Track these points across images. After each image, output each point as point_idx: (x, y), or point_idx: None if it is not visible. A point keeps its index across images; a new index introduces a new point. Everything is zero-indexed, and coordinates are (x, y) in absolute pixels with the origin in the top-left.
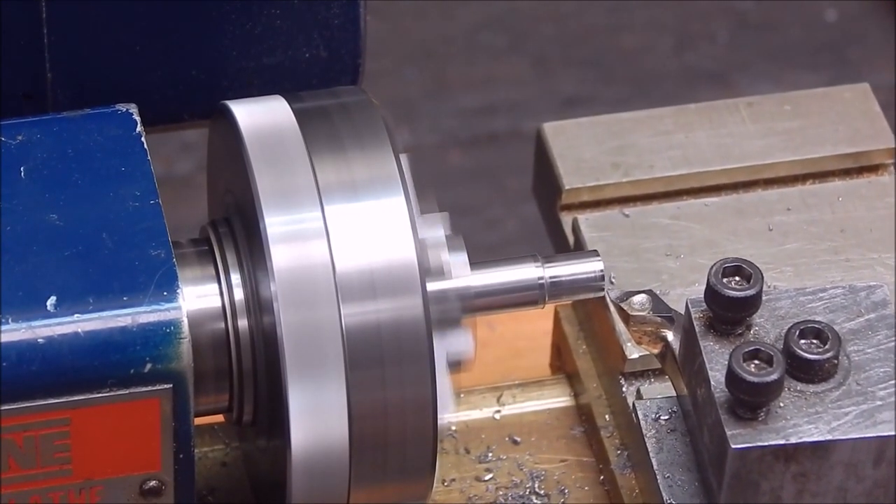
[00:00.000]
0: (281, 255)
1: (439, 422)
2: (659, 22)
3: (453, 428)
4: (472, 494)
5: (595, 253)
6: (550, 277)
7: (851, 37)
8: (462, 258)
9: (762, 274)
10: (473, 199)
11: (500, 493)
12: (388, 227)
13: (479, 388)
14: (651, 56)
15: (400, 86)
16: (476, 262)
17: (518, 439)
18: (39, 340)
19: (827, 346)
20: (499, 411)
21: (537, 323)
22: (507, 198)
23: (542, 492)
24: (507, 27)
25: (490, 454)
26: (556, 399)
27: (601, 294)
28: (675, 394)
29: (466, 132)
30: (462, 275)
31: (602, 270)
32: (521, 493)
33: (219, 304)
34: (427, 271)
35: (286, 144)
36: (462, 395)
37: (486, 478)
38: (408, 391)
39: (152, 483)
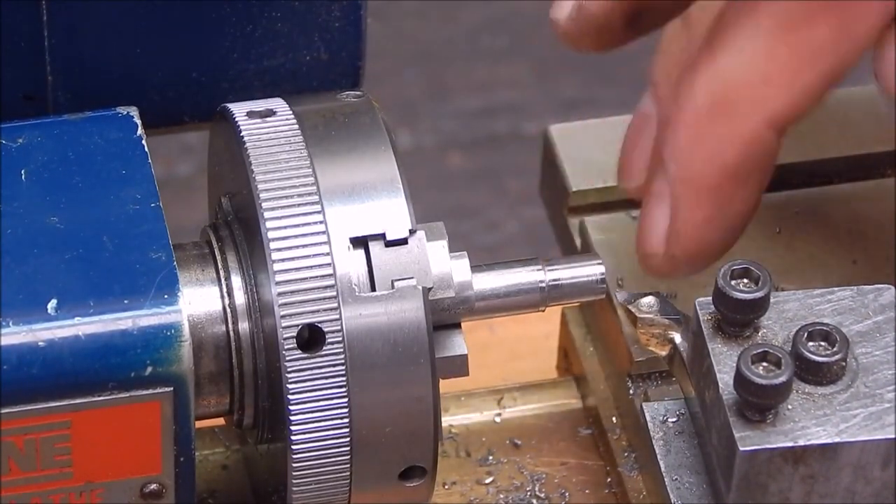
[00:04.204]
0: (282, 258)
1: (440, 423)
2: None
3: (454, 431)
4: (473, 497)
5: (595, 256)
6: (551, 281)
7: None
8: (463, 261)
9: (770, 276)
10: (474, 201)
11: (501, 495)
12: (389, 230)
13: (480, 390)
14: (651, 58)
15: (400, 88)
16: (477, 265)
17: (519, 442)
18: (40, 343)
19: (835, 349)
20: (499, 414)
21: (538, 326)
22: (507, 200)
23: (542, 494)
24: (507, 29)
25: (491, 457)
26: (557, 402)
27: (601, 297)
28: (682, 396)
29: (467, 134)
30: (463, 278)
31: (603, 273)
32: (521, 495)
33: (220, 306)
34: (427, 273)
35: (286, 147)
36: (463, 398)
37: (487, 481)
38: (408, 393)
39: (153, 486)
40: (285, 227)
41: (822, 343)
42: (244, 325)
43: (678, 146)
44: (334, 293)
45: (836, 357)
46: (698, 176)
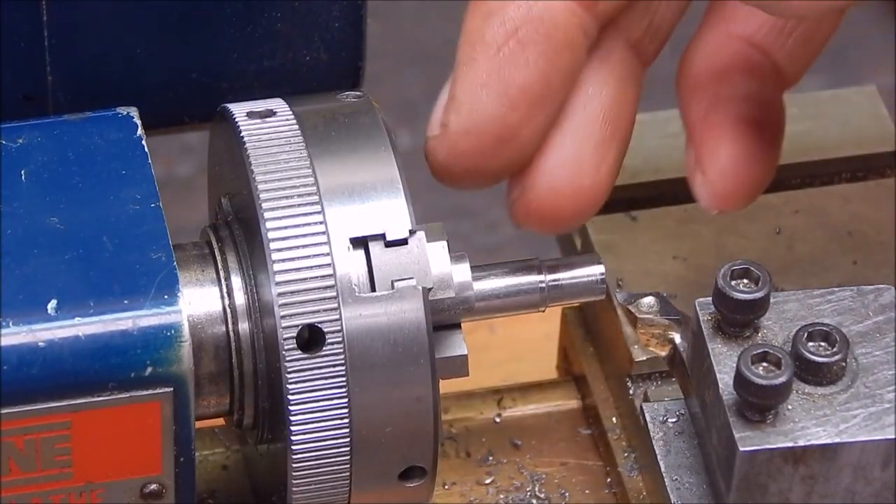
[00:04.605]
0: (282, 258)
1: (440, 424)
2: None
3: (454, 431)
4: (473, 498)
5: (595, 256)
6: (551, 281)
7: (852, 39)
8: (463, 261)
9: (770, 276)
10: (474, 201)
11: (501, 496)
12: (389, 230)
13: (480, 391)
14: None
15: (400, 88)
16: (477, 266)
17: (519, 442)
18: (40, 344)
19: (835, 349)
20: (499, 414)
21: (538, 326)
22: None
23: (542, 495)
24: None
25: (491, 457)
26: (557, 402)
27: (601, 297)
28: (682, 396)
29: None
30: (463, 278)
31: (603, 274)
32: (521, 496)
33: (220, 307)
34: (427, 274)
35: (286, 147)
36: (463, 399)
37: (487, 481)
38: (408, 393)
39: (153, 486)
40: (285, 228)
41: (822, 343)
42: (244, 326)
43: (468, 8)
44: (334, 293)
45: (836, 357)
46: (476, 31)
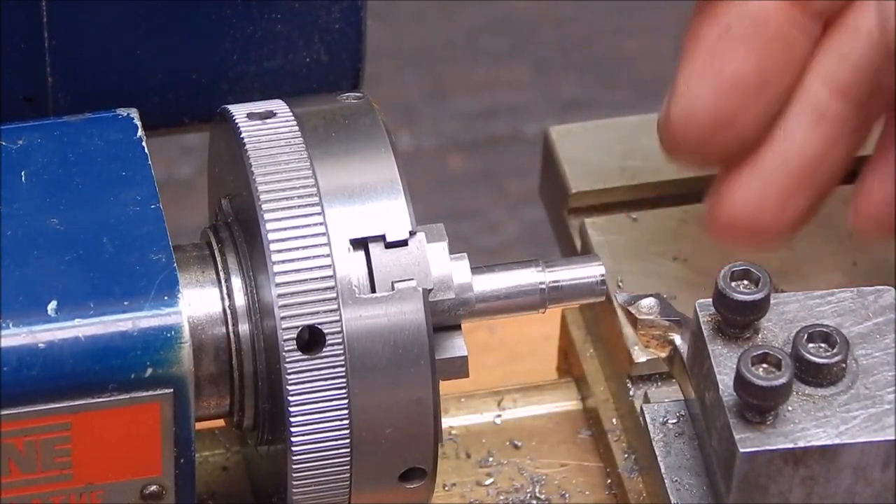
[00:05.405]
0: (282, 259)
1: (440, 425)
2: (660, 26)
3: (454, 432)
4: (473, 499)
5: (596, 257)
6: (551, 282)
7: None
8: (463, 262)
9: (770, 277)
10: (474, 202)
11: (501, 497)
12: (389, 231)
13: (480, 392)
14: (652, 60)
15: (400, 89)
16: (477, 267)
17: (519, 443)
18: (40, 345)
19: (835, 350)
20: (499, 415)
21: (538, 327)
22: (507, 201)
23: (542, 496)
24: (507, 30)
25: (491, 458)
26: (557, 403)
27: (601, 299)
28: (682, 397)
29: (467, 136)
30: (463, 279)
31: (603, 275)
32: (521, 497)
33: (220, 308)
34: (427, 275)
35: (287, 148)
36: (463, 400)
37: (487, 482)
38: (408, 394)
39: (153, 487)
40: (285, 229)
41: (822, 344)
42: (244, 327)
43: (692, 14)
44: (334, 294)
45: (836, 359)
46: (694, 32)
